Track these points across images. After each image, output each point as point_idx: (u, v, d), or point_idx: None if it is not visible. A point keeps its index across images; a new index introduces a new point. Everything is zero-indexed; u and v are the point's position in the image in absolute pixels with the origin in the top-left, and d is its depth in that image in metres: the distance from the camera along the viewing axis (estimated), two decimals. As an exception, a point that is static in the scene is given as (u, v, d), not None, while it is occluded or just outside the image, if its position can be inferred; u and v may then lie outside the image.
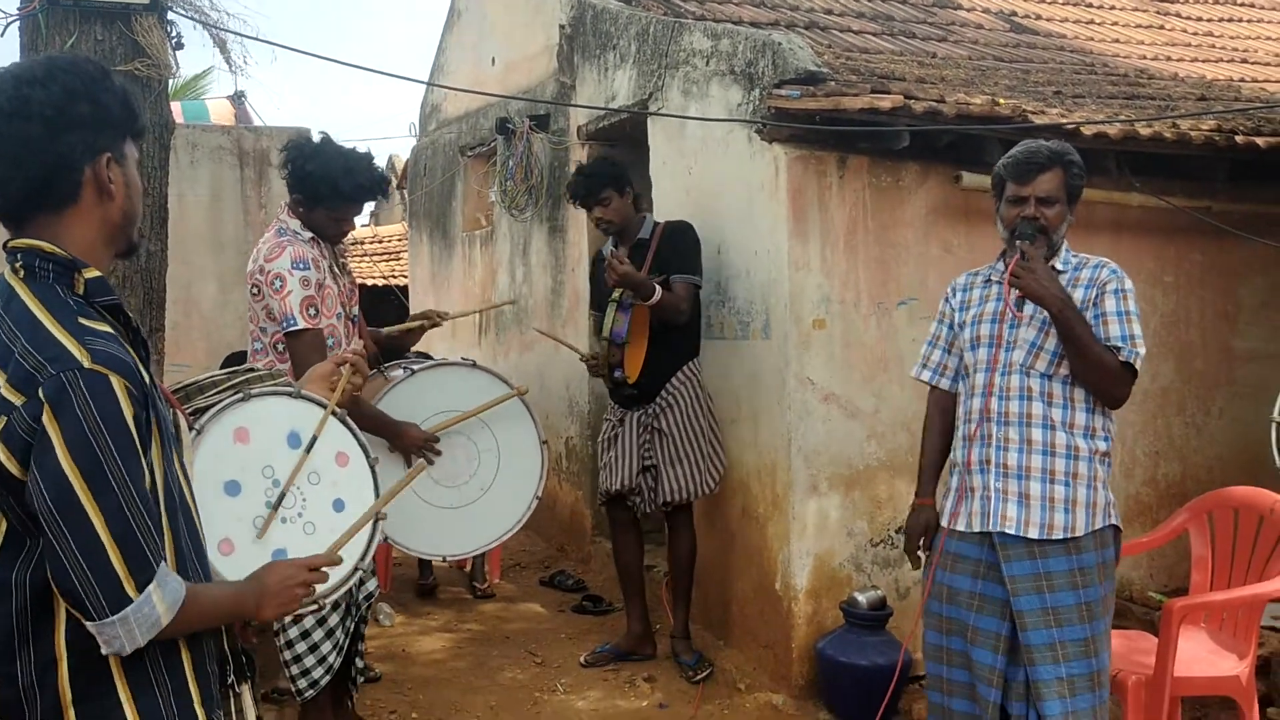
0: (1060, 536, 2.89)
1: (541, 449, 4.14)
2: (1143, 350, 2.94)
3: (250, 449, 2.27)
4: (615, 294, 4.57)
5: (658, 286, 4.43)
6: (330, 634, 3.55)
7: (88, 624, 1.55)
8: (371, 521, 2.35)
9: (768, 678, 4.49)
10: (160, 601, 1.56)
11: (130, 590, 1.54)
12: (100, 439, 1.53)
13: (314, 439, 2.34)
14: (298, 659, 3.52)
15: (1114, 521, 2.99)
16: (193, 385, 2.27)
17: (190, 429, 2.03)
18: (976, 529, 2.99)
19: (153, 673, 1.63)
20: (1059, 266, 3.01)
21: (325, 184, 3.58)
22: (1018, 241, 2.97)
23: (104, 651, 1.56)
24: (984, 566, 2.99)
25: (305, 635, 3.51)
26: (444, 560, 5.57)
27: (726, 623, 4.88)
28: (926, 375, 3.26)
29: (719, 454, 4.65)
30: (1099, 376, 2.93)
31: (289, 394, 2.36)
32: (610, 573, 5.87)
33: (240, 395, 2.29)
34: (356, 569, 2.33)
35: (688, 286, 4.55)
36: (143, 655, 1.61)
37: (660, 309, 4.46)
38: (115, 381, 1.56)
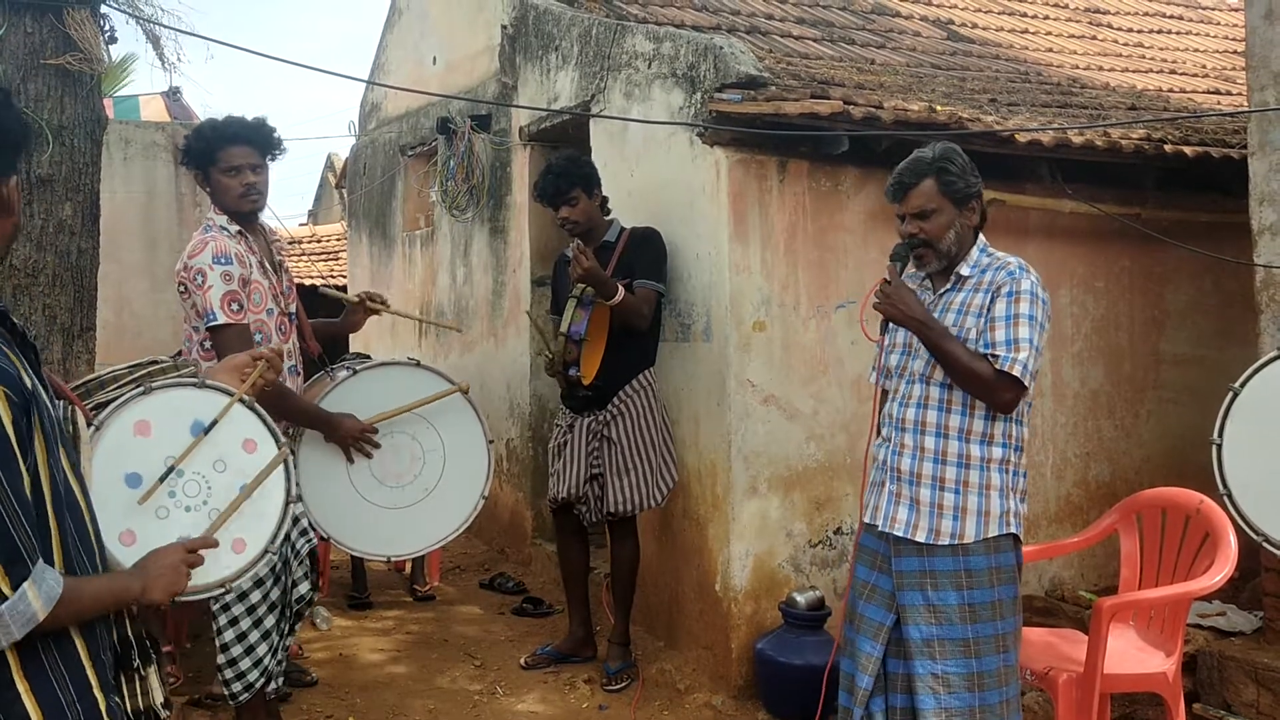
0: (947, 543, 2.91)
1: (488, 449, 4.11)
2: (1022, 355, 2.81)
3: (151, 441, 2.30)
4: (576, 290, 4.41)
5: (621, 287, 4.35)
6: (266, 636, 3.50)
7: None
8: (283, 505, 2.40)
9: (707, 678, 4.51)
10: (36, 598, 1.59)
11: (4, 588, 1.57)
12: None
13: (214, 423, 2.36)
14: (233, 662, 3.47)
15: (1012, 530, 2.92)
16: (93, 381, 2.31)
17: (89, 425, 2.03)
18: (878, 524, 3.04)
19: (48, 663, 1.65)
20: (965, 271, 2.99)
21: (199, 139, 3.64)
22: (888, 262, 2.99)
23: None
24: (879, 558, 3.04)
25: (241, 638, 3.46)
26: (386, 562, 5.51)
27: (668, 624, 4.90)
28: (872, 378, 3.31)
29: (669, 466, 4.55)
30: (974, 387, 2.88)
31: (194, 384, 2.38)
32: (550, 575, 5.86)
33: (141, 389, 2.31)
34: (266, 551, 2.38)
35: (651, 293, 4.47)
36: (36, 646, 1.64)
37: (622, 310, 4.37)
38: None
